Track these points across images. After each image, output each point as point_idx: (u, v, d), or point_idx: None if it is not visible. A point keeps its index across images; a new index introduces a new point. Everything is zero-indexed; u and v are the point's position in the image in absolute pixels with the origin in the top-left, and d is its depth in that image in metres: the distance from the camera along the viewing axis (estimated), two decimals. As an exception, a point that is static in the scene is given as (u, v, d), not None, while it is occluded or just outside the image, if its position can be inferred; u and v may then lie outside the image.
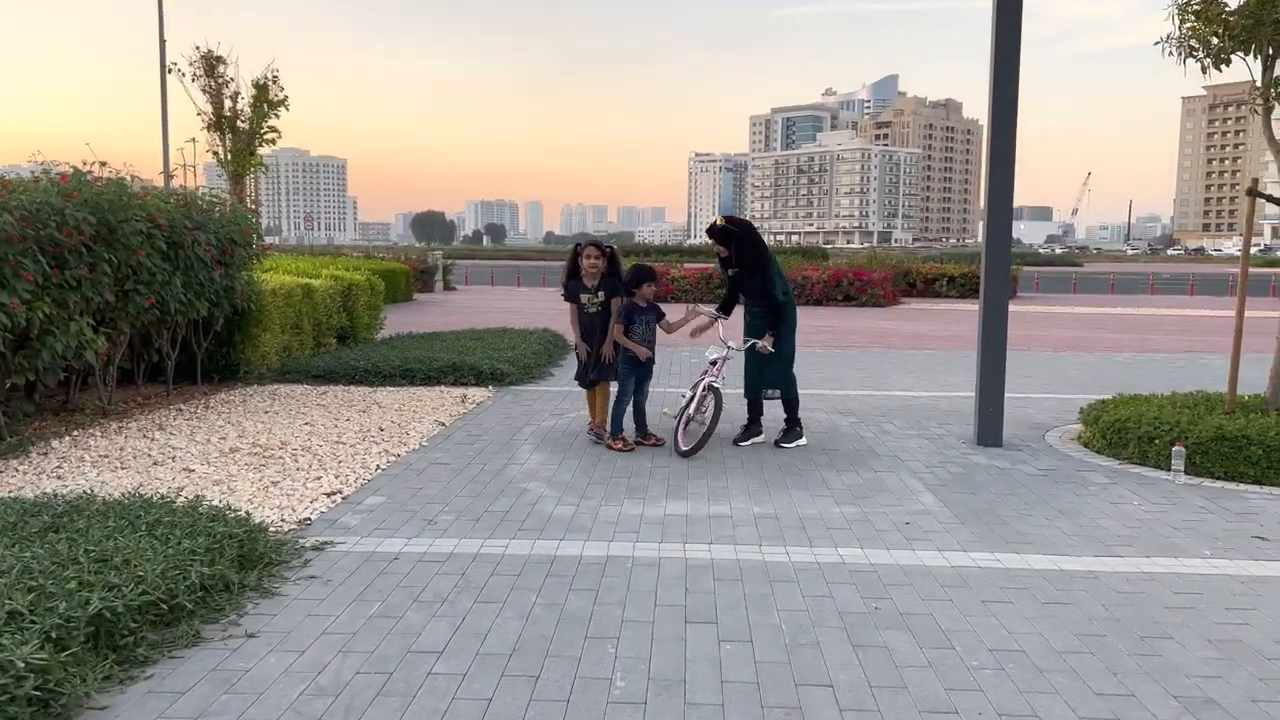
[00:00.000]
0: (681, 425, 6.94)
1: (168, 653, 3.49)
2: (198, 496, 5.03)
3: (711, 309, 7.43)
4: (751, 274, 7.09)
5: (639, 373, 7.13)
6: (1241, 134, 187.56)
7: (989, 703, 3.19)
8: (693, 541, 4.87)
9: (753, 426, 7.37)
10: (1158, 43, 6.81)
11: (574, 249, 7.34)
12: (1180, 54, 6.68)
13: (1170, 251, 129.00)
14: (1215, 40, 6.43)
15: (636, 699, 3.19)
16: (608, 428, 7.14)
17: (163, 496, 4.97)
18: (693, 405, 7.04)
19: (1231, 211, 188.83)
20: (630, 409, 7.18)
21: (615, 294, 7.14)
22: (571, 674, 3.37)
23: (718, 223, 7.21)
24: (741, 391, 7.40)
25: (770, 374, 7.19)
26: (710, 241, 7.29)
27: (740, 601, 4.07)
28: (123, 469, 6.23)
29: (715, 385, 6.98)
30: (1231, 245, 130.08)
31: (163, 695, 3.19)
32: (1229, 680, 3.37)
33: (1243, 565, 4.61)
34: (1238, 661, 3.53)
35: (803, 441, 7.25)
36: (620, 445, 6.98)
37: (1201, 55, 6.59)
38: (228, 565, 4.09)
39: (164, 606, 3.65)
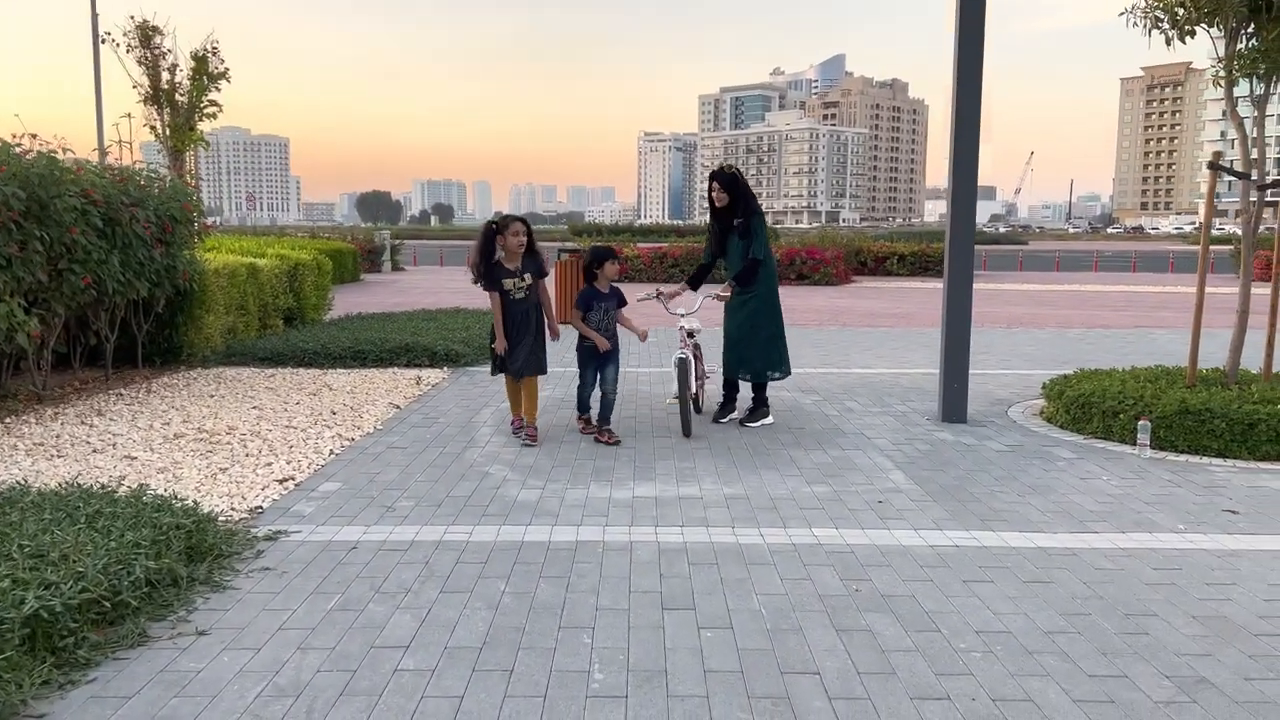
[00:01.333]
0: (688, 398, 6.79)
1: (111, 654, 3.25)
2: (141, 485, 4.77)
3: (652, 291, 7.19)
4: (745, 229, 6.80)
5: (598, 361, 6.61)
6: (1178, 114, 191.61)
7: (981, 687, 3.08)
8: (664, 524, 4.72)
9: (727, 405, 7.24)
10: (1123, 14, 6.76)
11: (487, 228, 6.35)
12: (1145, 25, 6.62)
13: (1110, 230, 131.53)
14: (1181, 11, 6.38)
15: (617, 692, 3.03)
16: (537, 424, 6.58)
17: (103, 486, 4.70)
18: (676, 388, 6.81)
19: (1168, 191, 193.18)
20: (599, 399, 6.66)
21: (541, 275, 6.48)
22: (547, 667, 3.20)
23: (726, 168, 6.95)
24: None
25: (750, 353, 6.92)
26: (713, 188, 6.91)
27: (717, 586, 3.93)
28: (59, 457, 5.91)
29: (682, 357, 6.68)
30: (1168, 224, 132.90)
31: (107, 700, 2.96)
32: (1219, 658, 3.30)
33: (1218, 540, 4.58)
34: (1225, 639, 3.47)
35: (769, 420, 7.13)
36: (583, 425, 6.78)
37: (1166, 26, 6.54)
38: (175, 558, 3.85)
39: (106, 604, 3.41)
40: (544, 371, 6.53)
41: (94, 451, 6.06)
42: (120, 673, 3.14)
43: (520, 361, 6.42)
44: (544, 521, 4.76)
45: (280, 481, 5.42)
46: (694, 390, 7.00)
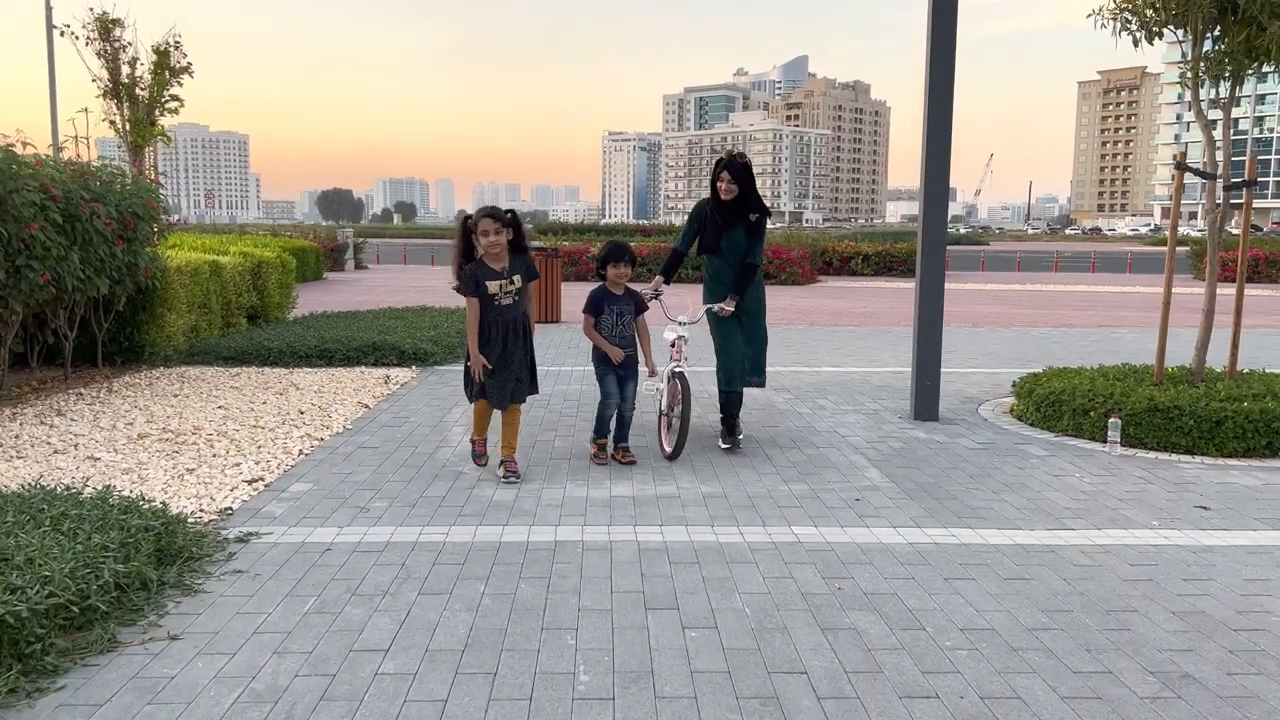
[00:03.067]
0: (664, 426, 6.05)
1: (81, 660, 3.15)
2: (106, 487, 4.64)
3: (649, 288, 6.16)
4: (753, 228, 6.06)
5: (619, 372, 5.77)
6: (1134, 118, 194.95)
7: (969, 685, 3.07)
8: (643, 523, 4.68)
9: (732, 422, 6.34)
10: (1090, 15, 6.82)
11: (462, 223, 5.31)
12: (1114, 26, 6.69)
13: (1069, 231, 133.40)
14: (1150, 13, 6.45)
15: (603, 694, 2.99)
16: (516, 459, 5.48)
17: (67, 487, 4.57)
18: (664, 400, 6.01)
19: (1124, 193, 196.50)
20: (616, 418, 5.88)
21: (533, 276, 5.48)
22: (531, 669, 3.15)
23: (738, 156, 6.07)
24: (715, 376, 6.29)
25: (759, 361, 6.24)
26: (723, 178, 6.00)
27: (699, 585, 3.90)
28: (19, 459, 5.75)
29: (679, 370, 5.88)
30: (1124, 225, 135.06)
31: (77, 708, 2.87)
32: (1200, 654, 3.33)
33: (1192, 535, 4.62)
34: (1205, 634, 3.49)
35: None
36: (596, 450, 5.86)
37: (1135, 27, 6.61)
38: (144, 561, 3.74)
39: (74, 609, 3.30)
40: (535, 392, 5.56)
41: (55, 452, 5.91)
42: (90, 680, 3.04)
43: (510, 387, 5.36)
44: (521, 521, 4.70)
45: (249, 482, 5.31)
46: (664, 411, 6.05)
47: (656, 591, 3.84)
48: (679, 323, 6.07)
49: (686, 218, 6.47)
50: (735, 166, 6.01)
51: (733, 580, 3.97)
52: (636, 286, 6.00)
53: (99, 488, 4.70)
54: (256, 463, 5.72)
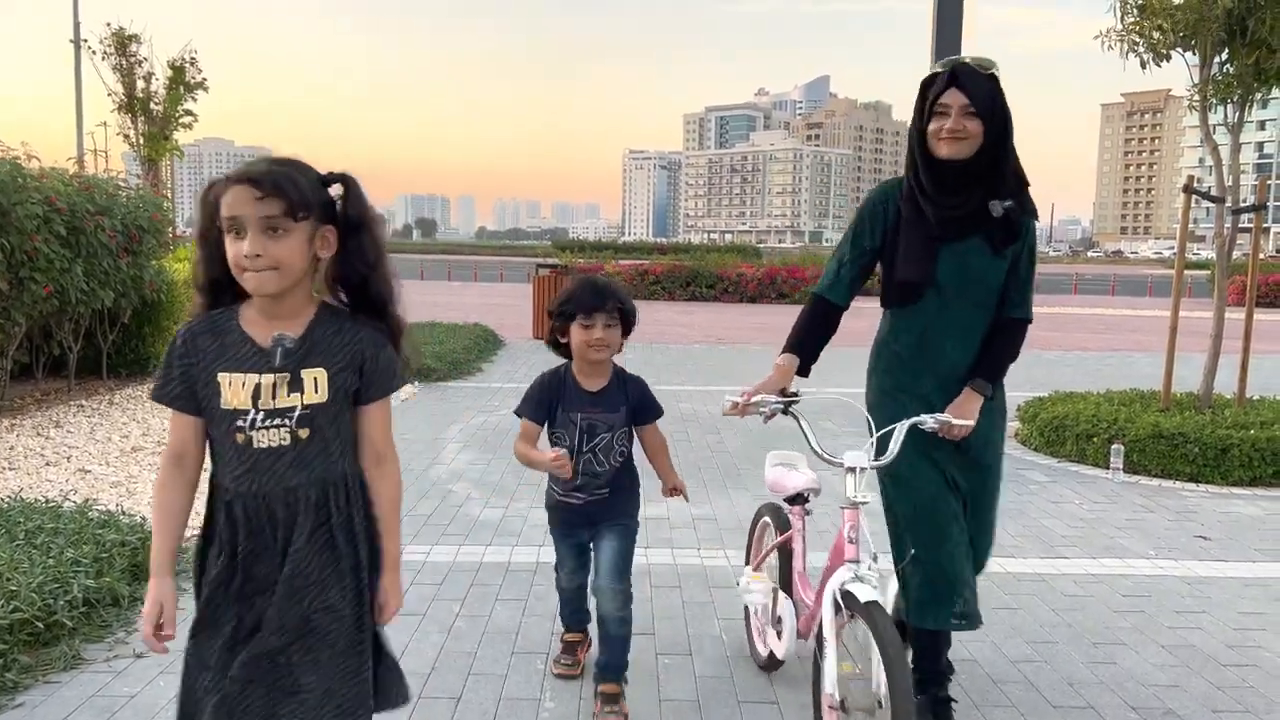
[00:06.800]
0: None
1: (42, 677, 3.12)
2: (88, 500, 4.62)
3: (773, 398, 2.91)
4: (1011, 229, 2.80)
5: (577, 532, 3.09)
6: (1157, 140, 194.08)
7: (943, 719, 2.99)
8: (627, 545, 4.61)
9: (936, 675, 3.00)
10: (1097, 37, 6.75)
11: (202, 200, 1.85)
12: (1121, 49, 6.62)
13: (1090, 253, 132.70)
14: (1158, 35, 6.38)
15: (567, 722, 2.92)
16: None
17: (48, 500, 4.55)
18: (833, 680, 2.56)
19: (1147, 215, 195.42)
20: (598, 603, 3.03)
21: (385, 390, 2.01)
22: (496, 695, 3.09)
23: (983, 65, 2.68)
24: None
25: (982, 543, 3.06)
26: (954, 107, 2.66)
27: (679, 610, 3.83)
28: (10, 470, 5.75)
29: (851, 589, 2.57)
30: (1147, 248, 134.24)
31: (32, 727, 2.83)
32: (1186, 689, 3.23)
33: (1188, 566, 4.51)
34: (1193, 669, 3.39)
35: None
36: (561, 651, 3.27)
37: (1143, 50, 6.54)
38: (117, 576, 3.71)
39: (39, 625, 3.27)
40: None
41: (47, 464, 5.91)
42: (49, 697, 3.00)
43: (264, 691, 1.88)
44: (505, 542, 4.65)
45: (237, 497, 5.28)
46: (836, 700, 2.56)
47: (634, 615, 3.76)
48: (836, 463, 2.79)
49: (851, 227, 3.07)
50: (973, 82, 2.66)
51: (713, 605, 3.90)
52: (736, 390, 2.93)
53: (80, 501, 4.67)
54: (247, 477, 5.69)
